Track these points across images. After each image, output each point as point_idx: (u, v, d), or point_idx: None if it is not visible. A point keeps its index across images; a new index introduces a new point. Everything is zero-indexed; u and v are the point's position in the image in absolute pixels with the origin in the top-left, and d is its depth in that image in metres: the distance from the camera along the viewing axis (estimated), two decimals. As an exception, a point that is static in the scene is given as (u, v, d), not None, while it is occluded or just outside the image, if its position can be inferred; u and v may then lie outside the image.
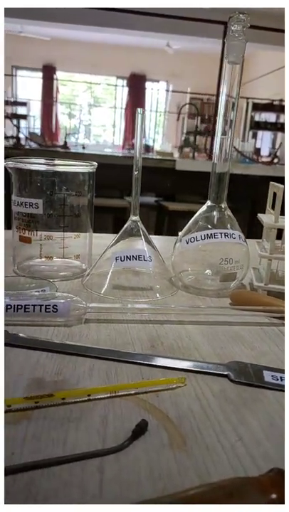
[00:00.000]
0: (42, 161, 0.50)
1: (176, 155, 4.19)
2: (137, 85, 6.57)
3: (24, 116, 5.63)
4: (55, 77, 6.56)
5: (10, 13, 3.39)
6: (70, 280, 0.52)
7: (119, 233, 0.51)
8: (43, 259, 0.51)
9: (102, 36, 5.91)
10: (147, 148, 4.93)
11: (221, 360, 0.35)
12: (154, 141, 5.40)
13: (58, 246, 0.51)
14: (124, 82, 6.73)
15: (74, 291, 0.48)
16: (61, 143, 4.92)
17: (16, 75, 6.42)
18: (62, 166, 0.49)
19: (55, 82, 6.58)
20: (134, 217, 0.51)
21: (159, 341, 0.38)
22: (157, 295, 0.50)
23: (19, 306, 0.38)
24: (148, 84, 6.68)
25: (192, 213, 0.53)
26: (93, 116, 7.56)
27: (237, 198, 1.71)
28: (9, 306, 0.38)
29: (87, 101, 7.40)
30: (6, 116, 3.14)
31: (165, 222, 2.57)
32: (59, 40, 6.09)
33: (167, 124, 5.85)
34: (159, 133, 7.07)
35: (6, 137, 2.68)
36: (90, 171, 0.51)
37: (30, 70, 6.56)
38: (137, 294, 0.50)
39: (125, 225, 0.51)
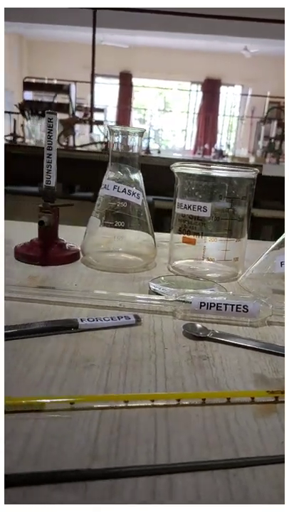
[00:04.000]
0: (211, 166, 0.52)
1: (251, 160, 4.12)
2: (211, 90, 6.55)
3: (101, 122, 5.84)
4: (131, 83, 6.73)
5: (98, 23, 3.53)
6: (225, 282, 0.54)
7: (282, 237, 0.52)
8: (204, 261, 0.53)
9: (178, 42, 5.98)
10: (221, 154, 4.88)
11: None
12: (228, 146, 5.33)
13: (221, 248, 0.52)
14: (199, 87, 6.74)
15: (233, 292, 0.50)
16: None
17: (95, 83, 6.67)
18: (231, 171, 0.51)
19: (131, 88, 6.76)
20: (297, 223, 0.51)
21: None
22: None
23: (212, 304, 0.40)
24: (222, 89, 6.63)
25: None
26: (163, 121, 7.65)
27: None
28: (202, 304, 0.40)
29: (159, 106, 7.51)
30: (90, 121, 3.28)
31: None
32: (136, 47, 6.25)
33: (244, 129, 5.76)
34: (231, 138, 6.98)
35: (95, 143, 2.80)
36: (254, 176, 0.53)
37: (108, 77, 6.79)
38: (299, 300, 0.50)
39: None
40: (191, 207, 0.51)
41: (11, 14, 5.06)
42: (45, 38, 6.65)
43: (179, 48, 6.22)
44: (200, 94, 6.79)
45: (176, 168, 0.53)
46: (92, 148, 2.72)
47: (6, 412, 0.25)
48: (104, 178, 0.55)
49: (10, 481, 0.20)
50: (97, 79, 6.97)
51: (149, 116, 7.56)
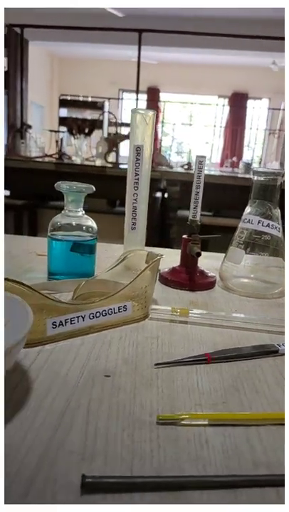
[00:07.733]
0: None
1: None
2: (238, 103, 6.63)
3: (127, 137, 5.96)
4: (158, 98, 6.87)
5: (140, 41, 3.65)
6: None
7: None
8: None
9: (206, 57, 6.10)
10: (249, 167, 4.93)
11: None
12: (260, 160, 5.37)
13: None
14: (226, 101, 6.83)
15: None
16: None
17: (122, 98, 6.84)
18: None
19: (158, 103, 6.90)
20: None
21: None
22: None
23: None
24: (249, 102, 6.71)
25: None
26: (188, 134, 7.74)
27: None
28: None
29: (185, 120, 7.62)
30: (118, 136, 3.37)
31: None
32: (165, 63, 6.40)
33: (276, 142, 5.82)
34: (257, 150, 7.03)
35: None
36: None
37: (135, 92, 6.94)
38: None
39: None
40: None
41: (46, 35, 5.27)
42: (74, 54, 6.87)
43: (207, 63, 6.34)
44: (226, 107, 6.88)
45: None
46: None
47: (252, 425, 0.31)
48: (245, 213, 0.62)
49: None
50: (125, 94, 7.17)
51: (171, 129, 7.68)
